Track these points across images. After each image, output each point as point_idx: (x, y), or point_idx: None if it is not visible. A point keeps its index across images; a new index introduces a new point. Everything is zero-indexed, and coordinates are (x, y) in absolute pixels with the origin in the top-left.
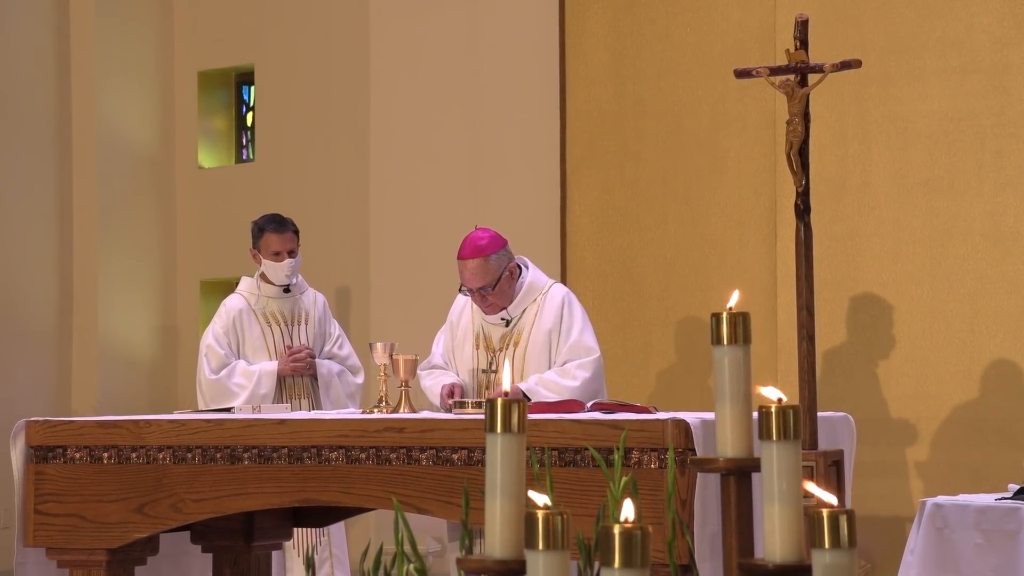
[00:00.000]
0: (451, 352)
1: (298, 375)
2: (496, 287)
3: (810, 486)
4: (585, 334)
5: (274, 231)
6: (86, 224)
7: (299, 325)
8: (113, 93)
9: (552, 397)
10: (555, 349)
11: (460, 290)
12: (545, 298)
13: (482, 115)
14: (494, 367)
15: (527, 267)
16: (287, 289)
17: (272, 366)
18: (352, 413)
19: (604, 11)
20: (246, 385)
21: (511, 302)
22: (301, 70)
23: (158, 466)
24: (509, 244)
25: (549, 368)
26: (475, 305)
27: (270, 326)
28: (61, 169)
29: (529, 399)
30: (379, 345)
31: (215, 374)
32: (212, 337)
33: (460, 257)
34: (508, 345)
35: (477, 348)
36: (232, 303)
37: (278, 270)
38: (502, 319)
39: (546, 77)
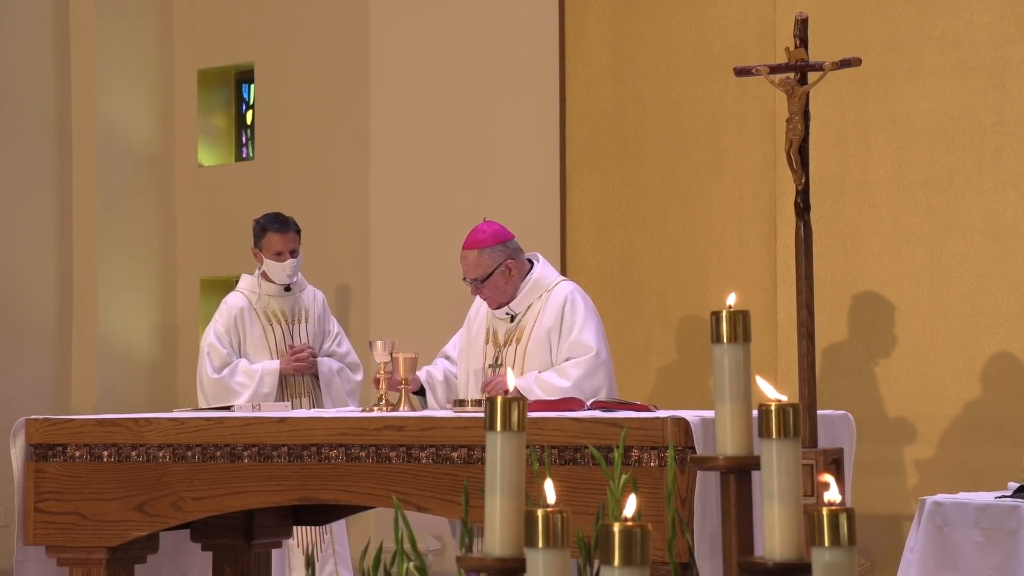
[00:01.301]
0: (464, 348)
1: (300, 374)
2: (486, 281)
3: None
4: (585, 332)
5: (277, 231)
6: (86, 223)
7: (300, 323)
8: (113, 92)
9: (544, 396)
10: (555, 348)
11: (463, 280)
12: (549, 296)
13: (482, 114)
14: (499, 362)
15: (538, 261)
16: (288, 288)
17: (274, 365)
18: (352, 412)
19: (604, 10)
20: (248, 384)
21: (508, 298)
22: (301, 68)
23: (158, 464)
24: (514, 240)
25: (551, 365)
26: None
27: (271, 325)
28: (61, 168)
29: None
30: (379, 343)
31: (217, 373)
32: (214, 336)
33: (462, 247)
34: (511, 341)
35: (487, 343)
36: (233, 301)
37: (280, 270)
38: (507, 315)
39: (546, 76)
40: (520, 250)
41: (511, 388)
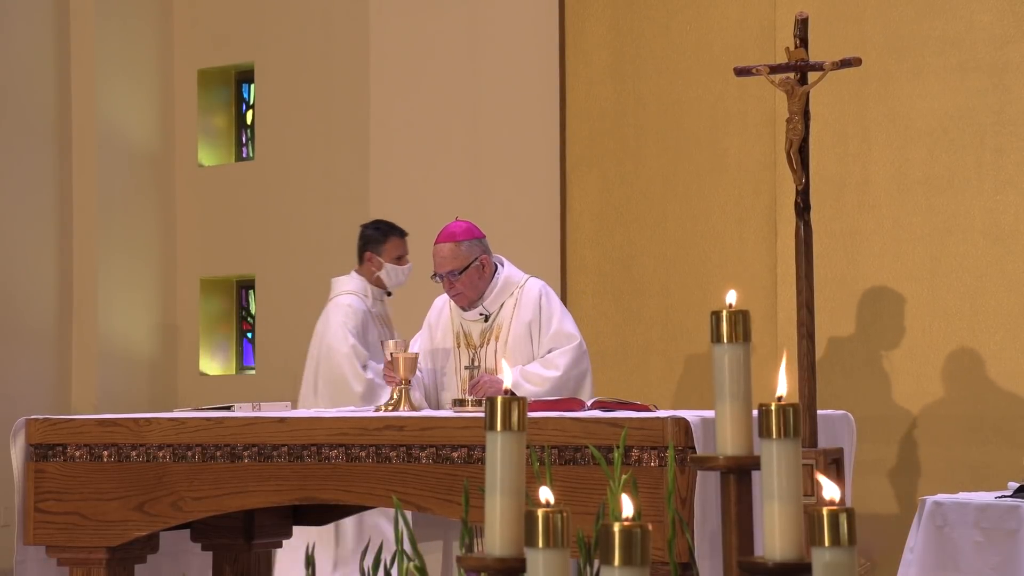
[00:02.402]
0: (428, 352)
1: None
2: (463, 273)
3: (821, 479)
4: (565, 322)
5: (399, 236)
6: (86, 223)
7: (392, 328)
8: (113, 92)
9: (535, 390)
10: (536, 341)
11: (432, 277)
12: (522, 291)
13: (482, 114)
14: (476, 363)
15: (503, 264)
16: (389, 293)
17: None
18: (352, 411)
19: (604, 10)
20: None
21: (478, 296)
22: (301, 68)
23: (158, 464)
24: (486, 239)
25: (533, 359)
26: (453, 304)
27: (382, 329)
28: (61, 168)
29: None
30: (391, 342)
31: (365, 373)
32: (352, 337)
33: (434, 243)
34: (488, 340)
35: (458, 346)
36: (356, 304)
37: (402, 273)
38: (480, 315)
39: (546, 76)
40: (490, 250)
41: (507, 385)
